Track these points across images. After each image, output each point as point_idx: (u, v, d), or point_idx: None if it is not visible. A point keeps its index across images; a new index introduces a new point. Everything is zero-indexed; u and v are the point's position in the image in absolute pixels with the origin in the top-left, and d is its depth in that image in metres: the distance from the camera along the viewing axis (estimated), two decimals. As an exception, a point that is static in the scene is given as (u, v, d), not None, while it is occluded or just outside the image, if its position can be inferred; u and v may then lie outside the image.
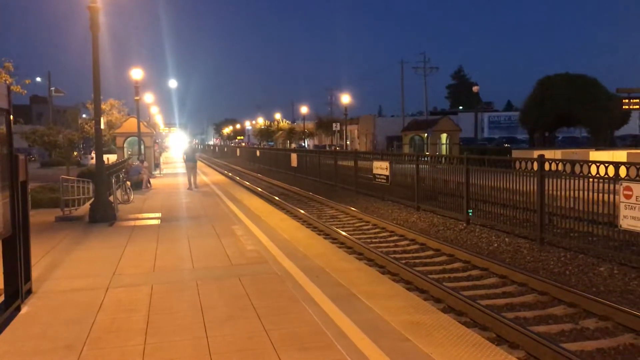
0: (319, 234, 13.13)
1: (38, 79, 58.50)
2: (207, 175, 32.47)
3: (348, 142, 68.92)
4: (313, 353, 4.94)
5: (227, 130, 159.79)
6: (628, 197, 9.52)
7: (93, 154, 48.39)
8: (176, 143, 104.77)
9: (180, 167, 35.38)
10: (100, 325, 5.80)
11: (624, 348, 6.49)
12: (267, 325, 5.64)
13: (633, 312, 7.13)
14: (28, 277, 6.95)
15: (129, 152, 33.48)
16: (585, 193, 10.95)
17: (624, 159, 19.02)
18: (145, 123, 36.95)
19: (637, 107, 22.04)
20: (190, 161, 23.03)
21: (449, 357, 4.80)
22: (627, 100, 21.59)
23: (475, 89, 44.70)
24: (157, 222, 13.15)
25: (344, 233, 13.60)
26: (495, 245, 12.36)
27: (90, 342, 5.30)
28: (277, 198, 21.97)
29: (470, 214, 14.80)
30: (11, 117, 6.24)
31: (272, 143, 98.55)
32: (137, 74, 29.35)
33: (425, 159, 19.97)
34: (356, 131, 78.28)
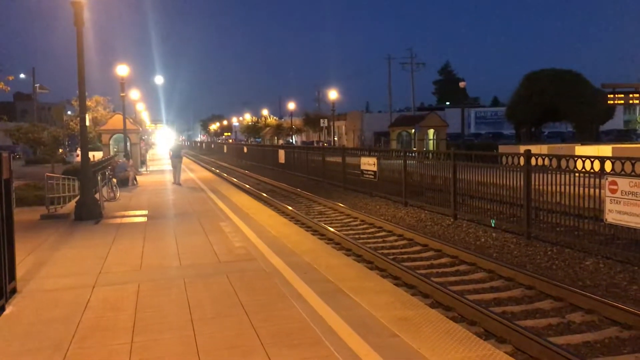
0: (307, 231, 13.10)
1: (22, 76, 57.89)
2: (194, 172, 32.30)
3: (336, 138, 68.98)
4: (302, 350, 4.93)
5: (214, 126, 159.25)
6: (613, 191, 9.60)
7: (78, 152, 48.01)
8: (163, 140, 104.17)
9: (167, 165, 35.16)
10: (86, 324, 5.74)
11: (609, 341, 6.55)
12: (256, 322, 5.62)
13: (618, 305, 7.19)
14: (12, 276, 6.87)
15: (115, 149, 33.24)
16: (571, 188, 11.03)
17: (609, 154, 19.22)
18: (131, 120, 36.71)
19: (622, 102, 22.22)
20: (176, 157, 24.13)
21: (438, 352, 4.80)
22: (612, 95, 21.77)
23: (462, 84, 44.90)
24: (143, 219, 13.06)
25: (332, 229, 13.59)
26: (483, 240, 12.42)
27: (76, 341, 5.25)
28: (264, 195, 21.92)
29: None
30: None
31: (260, 139, 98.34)
32: (122, 70, 29.12)
33: (413, 154, 20.04)
34: (344, 127, 78.32)
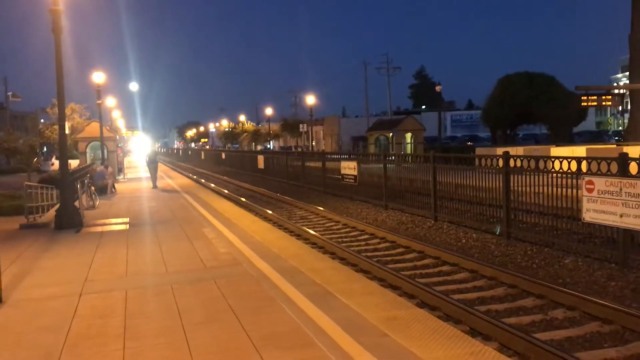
0: (291, 235, 13.15)
1: (-7, 84, 56.96)
2: (173, 179, 32.10)
3: (313, 143, 69.13)
4: (295, 352, 4.99)
5: (191, 133, 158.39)
6: (590, 190, 9.83)
7: (53, 160, 47.40)
8: (139, 147, 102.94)
9: (144, 172, 34.91)
10: (76, 331, 5.73)
11: (591, 336, 6.73)
12: (247, 326, 5.66)
13: (599, 301, 7.39)
14: (-2, 286, 6.81)
15: (91, 157, 32.94)
16: (549, 188, 11.26)
17: (584, 154, 19.60)
18: (107, 127, 36.38)
19: (595, 104, 22.76)
20: (152, 162, 25.96)
21: (428, 350, 4.91)
22: (585, 98, 22.30)
23: (438, 88, 45.44)
24: (125, 227, 12.99)
25: (315, 233, 13.66)
26: (464, 241, 12.60)
27: (67, 349, 5.24)
28: (245, 200, 21.90)
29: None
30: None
31: (237, 145, 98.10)
32: (99, 77, 28.85)
33: (393, 158, 20.22)
34: (322, 132, 78.53)
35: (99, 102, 30.01)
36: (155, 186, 24.38)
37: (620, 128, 68.74)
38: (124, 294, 7.07)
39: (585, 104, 22.72)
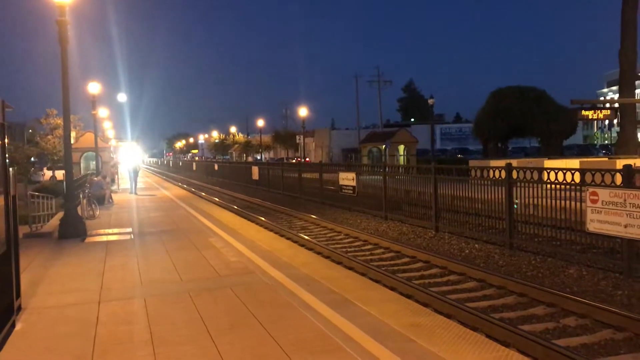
0: (296, 244, 13.23)
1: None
2: (168, 190, 32.04)
3: (299, 154, 69.39)
4: (324, 356, 5.08)
5: (180, 144, 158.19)
6: (594, 201, 10.04)
7: (45, 171, 47.13)
8: (126, 158, 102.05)
9: (138, 183, 34.78)
10: (102, 338, 5.78)
11: (605, 342, 6.87)
12: (273, 332, 5.74)
13: (610, 309, 7.54)
14: (18, 293, 6.83)
15: (84, 167, 32.83)
16: (551, 200, 11.45)
17: (577, 167, 19.87)
18: (101, 138, 36.30)
19: (595, 117, 23.14)
20: (134, 172, 29.32)
21: (457, 355, 5.02)
22: (586, 113, 22.69)
23: (430, 101, 45.79)
24: (130, 237, 12.99)
25: (319, 243, 13.74)
26: (467, 251, 12.75)
27: (97, 355, 5.29)
28: (244, 211, 21.92)
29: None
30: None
31: (228, 157, 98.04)
32: (94, 87, 28.78)
33: (393, 169, 20.39)
34: (313, 144, 78.82)
35: (94, 112, 29.95)
36: (135, 192, 27.27)
37: (607, 142, 69.63)
38: (143, 302, 7.12)
39: (586, 117, 23.11)
